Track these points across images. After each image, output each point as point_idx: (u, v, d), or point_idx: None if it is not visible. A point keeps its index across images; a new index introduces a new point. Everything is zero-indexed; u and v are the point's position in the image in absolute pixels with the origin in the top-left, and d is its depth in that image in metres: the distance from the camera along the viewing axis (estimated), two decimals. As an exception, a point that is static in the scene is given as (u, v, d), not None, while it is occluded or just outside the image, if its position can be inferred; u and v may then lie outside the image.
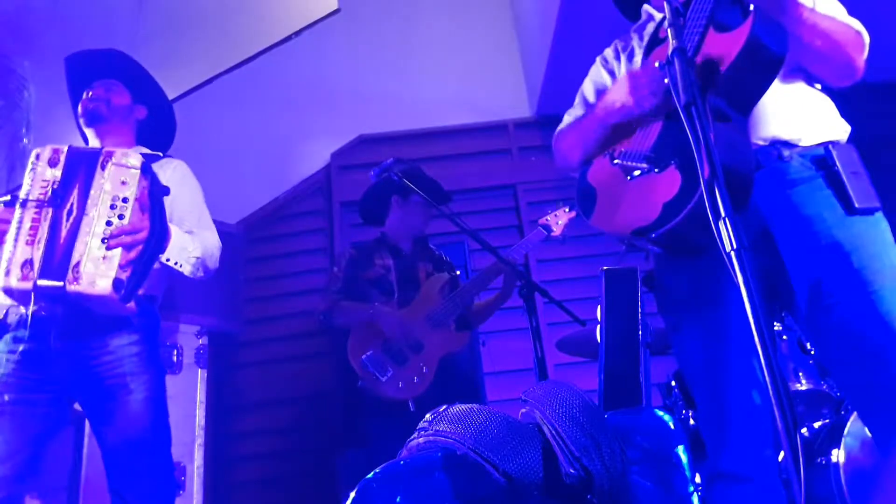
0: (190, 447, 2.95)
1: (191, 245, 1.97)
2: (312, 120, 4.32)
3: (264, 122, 4.25)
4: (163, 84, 2.28)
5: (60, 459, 2.66)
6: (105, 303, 1.72)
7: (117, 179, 1.76)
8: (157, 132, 2.25)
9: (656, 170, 1.39)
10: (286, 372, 3.79)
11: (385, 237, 2.95)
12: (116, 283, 1.69)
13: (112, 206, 1.73)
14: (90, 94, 2.11)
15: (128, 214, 1.74)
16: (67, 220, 1.73)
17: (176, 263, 1.93)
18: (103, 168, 1.76)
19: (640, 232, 1.36)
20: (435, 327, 2.69)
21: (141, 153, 2.12)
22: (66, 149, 1.81)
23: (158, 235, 1.80)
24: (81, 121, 2.12)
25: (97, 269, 1.68)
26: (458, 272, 3.01)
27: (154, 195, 1.80)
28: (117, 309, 1.77)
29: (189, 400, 3.03)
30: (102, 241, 1.70)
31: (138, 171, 1.77)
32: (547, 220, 2.88)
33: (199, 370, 3.13)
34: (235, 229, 3.71)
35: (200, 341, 3.18)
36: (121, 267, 1.70)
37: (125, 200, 1.74)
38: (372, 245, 2.95)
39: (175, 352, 3.05)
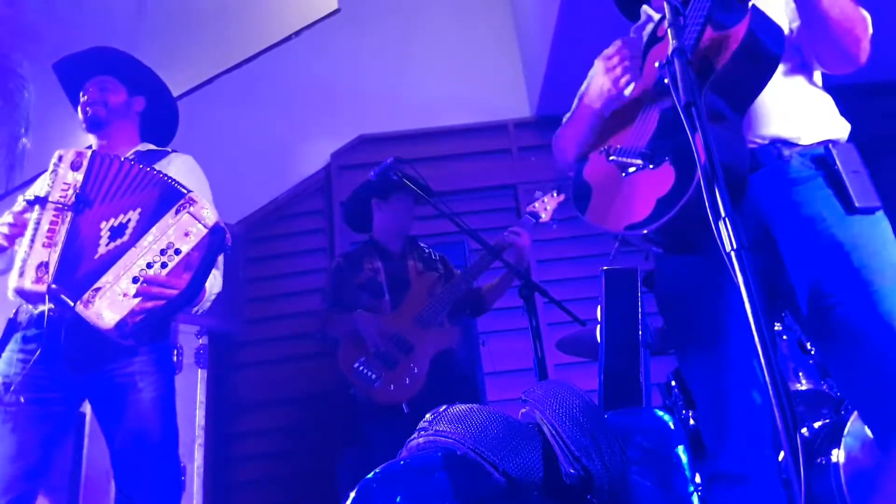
0: (190, 447, 2.95)
1: (216, 284, 1.95)
2: (312, 120, 4.33)
3: (264, 122, 4.25)
4: (163, 84, 2.28)
5: (60, 459, 2.66)
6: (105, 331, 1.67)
7: (183, 229, 1.68)
8: (159, 120, 2.22)
9: (651, 166, 1.39)
10: (286, 372, 3.79)
11: (373, 240, 2.94)
12: (120, 324, 1.62)
13: (163, 252, 1.66)
14: (85, 97, 2.07)
15: (171, 265, 1.66)
16: (113, 239, 1.68)
17: (202, 310, 1.94)
18: (178, 212, 1.69)
19: (633, 228, 1.36)
20: (425, 327, 2.67)
21: (148, 150, 2.11)
22: (89, 153, 1.76)
23: (189, 296, 1.73)
24: (83, 126, 2.09)
25: (111, 304, 1.62)
26: (456, 269, 2.98)
27: (207, 258, 1.72)
28: (116, 339, 1.72)
29: (189, 400, 3.03)
30: (134, 279, 1.64)
31: (206, 231, 1.69)
32: (535, 206, 2.86)
33: (199, 370, 3.13)
34: (235, 229, 3.71)
35: (200, 341, 3.18)
36: (133, 311, 1.64)
37: (177, 252, 1.67)
38: (361, 250, 2.94)
39: (175, 352, 3.05)
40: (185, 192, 1.73)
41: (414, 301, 2.75)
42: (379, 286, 2.79)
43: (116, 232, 1.69)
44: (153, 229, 1.68)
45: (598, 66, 1.55)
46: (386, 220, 2.93)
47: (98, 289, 1.63)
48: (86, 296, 1.62)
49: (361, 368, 2.60)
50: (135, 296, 1.63)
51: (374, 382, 2.57)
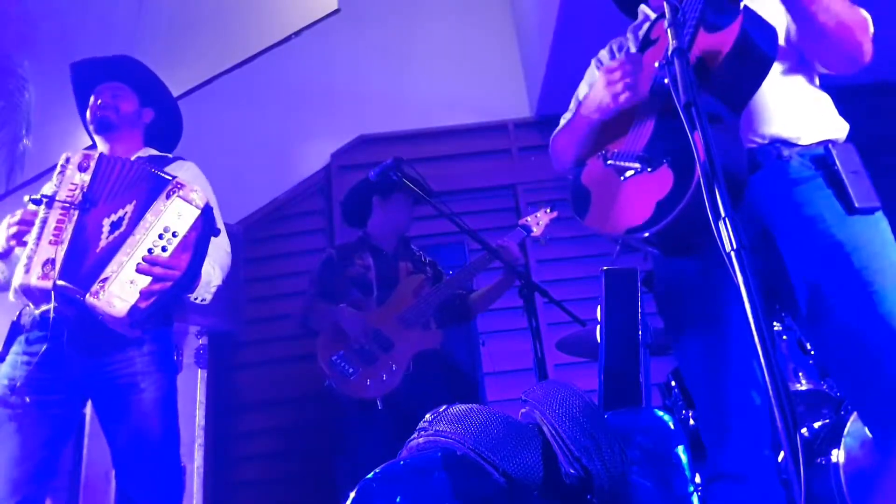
0: (190, 447, 2.95)
1: (214, 276, 1.97)
2: (312, 120, 4.32)
3: (264, 122, 4.25)
4: (163, 84, 2.28)
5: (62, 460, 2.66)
6: (114, 322, 1.70)
7: (175, 211, 1.75)
8: (163, 133, 2.25)
9: (649, 169, 1.38)
10: (286, 372, 3.79)
11: (367, 237, 2.95)
12: (133, 310, 1.66)
13: (160, 236, 1.72)
14: (98, 101, 2.10)
15: (171, 248, 1.72)
16: (112, 232, 1.71)
17: (202, 300, 1.95)
18: (168, 197, 1.75)
19: (634, 231, 1.35)
20: (407, 327, 2.68)
21: (151, 154, 2.13)
22: (97, 155, 1.79)
23: (189, 277, 1.78)
24: (91, 128, 2.12)
25: (121, 292, 1.66)
26: (447, 271, 2.98)
27: (201, 239, 1.78)
28: (123, 331, 1.76)
29: (189, 400, 3.02)
30: (138, 265, 1.69)
31: (198, 211, 1.76)
32: (527, 220, 2.87)
33: (199, 370, 3.13)
34: (235, 229, 3.71)
35: (200, 341, 3.18)
36: (143, 295, 1.68)
37: (174, 234, 1.73)
38: (354, 244, 2.95)
39: (175, 352, 3.05)
40: (171, 178, 1.79)
41: (399, 300, 2.75)
42: (369, 283, 2.79)
43: (115, 225, 1.73)
44: (147, 215, 1.74)
45: (599, 78, 1.53)
46: (384, 219, 2.93)
47: (105, 279, 1.66)
48: (94, 287, 1.65)
49: (339, 361, 2.60)
50: (138, 271, 1.68)
51: (350, 376, 2.58)
